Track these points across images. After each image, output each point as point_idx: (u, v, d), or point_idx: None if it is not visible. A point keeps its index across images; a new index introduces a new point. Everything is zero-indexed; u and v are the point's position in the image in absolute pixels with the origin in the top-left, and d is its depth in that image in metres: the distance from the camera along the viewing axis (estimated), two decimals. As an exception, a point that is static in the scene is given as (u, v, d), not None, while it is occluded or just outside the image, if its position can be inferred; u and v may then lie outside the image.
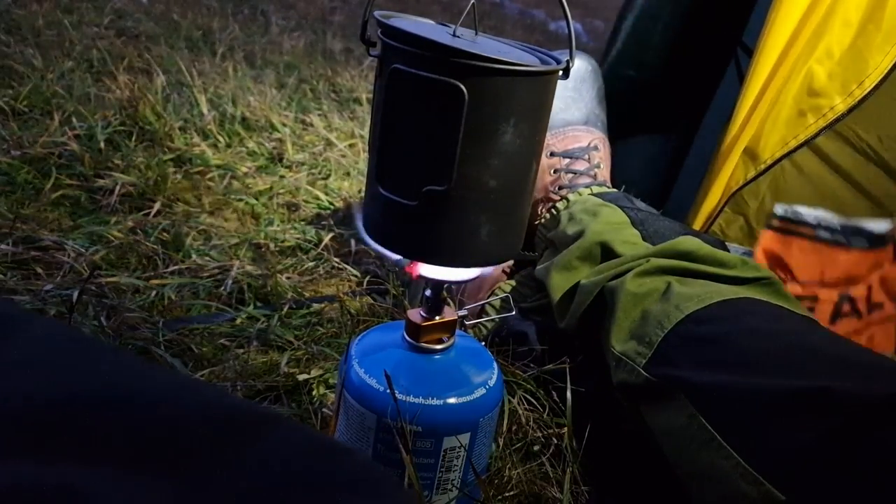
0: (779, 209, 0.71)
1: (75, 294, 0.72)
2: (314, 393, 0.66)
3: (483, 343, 0.58)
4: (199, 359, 0.69)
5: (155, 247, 0.87)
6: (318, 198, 1.12)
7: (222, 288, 0.82)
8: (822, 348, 0.45)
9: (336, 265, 0.92)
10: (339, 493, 0.26)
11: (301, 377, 0.67)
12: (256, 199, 1.08)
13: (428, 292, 0.49)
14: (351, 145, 1.37)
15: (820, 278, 0.69)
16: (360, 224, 0.47)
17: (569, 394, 0.60)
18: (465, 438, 0.48)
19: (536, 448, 0.60)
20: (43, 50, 1.50)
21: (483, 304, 0.60)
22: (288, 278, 0.86)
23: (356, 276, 0.90)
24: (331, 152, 1.30)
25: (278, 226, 1.01)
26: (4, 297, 0.72)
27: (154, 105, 1.26)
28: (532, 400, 0.65)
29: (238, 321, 0.76)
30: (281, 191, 1.12)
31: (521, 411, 0.63)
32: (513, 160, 0.43)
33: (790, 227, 0.70)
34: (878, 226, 0.68)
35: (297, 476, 0.26)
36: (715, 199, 0.78)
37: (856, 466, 0.38)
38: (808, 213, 0.69)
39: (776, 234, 0.71)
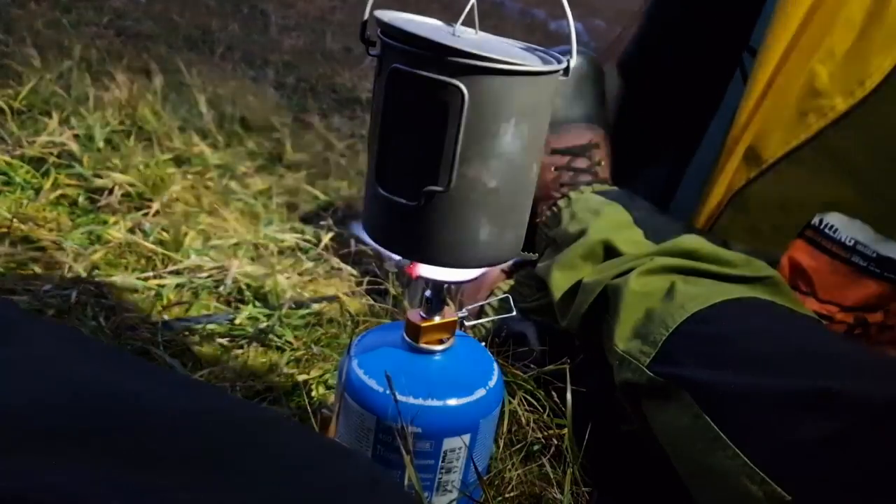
0: (815, 219, 0.70)
1: (74, 294, 0.72)
2: (314, 393, 0.66)
3: (483, 343, 0.58)
4: (198, 359, 0.69)
5: (154, 247, 0.87)
6: (317, 198, 1.12)
7: (221, 288, 0.81)
8: (828, 348, 0.45)
9: (336, 265, 0.92)
10: (339, 495, 0.26)
11: (300, 377, 0.67)
12: (256, 199, 1.08)
13: (428, 293, 0.49)
14: (351, 145, 1.37)
15: (841, 301, 0.68)
16: (359, 229, 0.47)
17: (569, 394, 0.60)
18: (465, 439, 0.48)
19: (537, 449, 0.60)
20: (41, 49, 1.50)
21: (483, 305, 0.60)
22: (287, 278, 0.86)
23: (356, 276, 0.90)
24: (330, 152, 1.30)
25: (278, 226, 1.01)
26: (3, 297, 0.72)
27: (153, 105, 1.26)
28: (532, 401, 0.65)
29: (237, 321, 0.76)
30: (280, 191, 1.11)
31: (521, 412, 0.63)
32: (513, 160, 0.43)
33: (824, 242, 0.69)
34: None
35: (297, 477, 0.26)
36: (718, 199, 0.77)
37: (861, 466, 0.37)
38: (846, 231, 0.68)
39: (807, 246, 0.70)
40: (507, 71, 0.40)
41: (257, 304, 0.80)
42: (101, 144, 1.11)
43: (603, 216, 0.67)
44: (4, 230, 0.84)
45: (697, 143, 0.92)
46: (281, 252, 0.94)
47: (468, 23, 0.44)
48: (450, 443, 0.48)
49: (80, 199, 0.97)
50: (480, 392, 0.49)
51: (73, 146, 1.08)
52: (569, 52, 0.44)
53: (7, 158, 1.01)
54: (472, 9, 0.43)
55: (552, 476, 0.58)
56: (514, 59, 0.40)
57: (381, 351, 0.50)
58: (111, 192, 0.98)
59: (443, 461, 0.48)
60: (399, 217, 0.44)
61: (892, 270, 0.67)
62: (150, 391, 0.29)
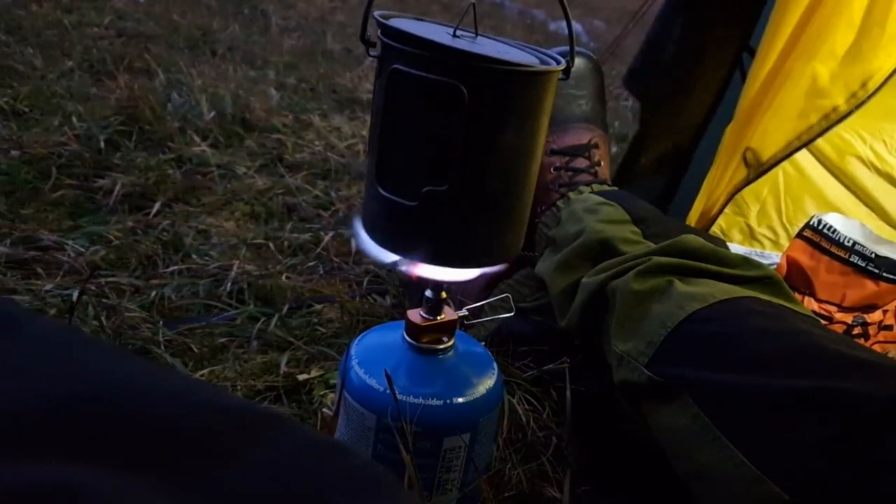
0: (814, 219, 0.70)
1: (75, 294, 0.72)
2: (314, 393, 0.66)
3: (483, 343, 0.58)
4: (198, 358, 0.69)
5: (155, 247, 0.87)
6: (318, 198, 1.12)
7: (222, 288, 0.82)
8: (826, 348, 0.45)
9: (336, 265, 0.92)
10: (339, 494, 0.26)
11: (301, 377, 0.67)
12: (256, 199, 1.08)
13: (428, 293, 0.49)
14: (351, 145, 1.37)
15: (840, 301, 0.69)
16: (359, 232, 0.47)
17: (568, 394, 0.60)
18: (465, 438, 0.48)
19: (536, 448, 0.60)
20: (43, 50, 1.50)
21: (483, 305, 0.60)
22: (288, 278, 0.86)
23: (356, 276, 0.90)
24: (331, 152, 1.30)
25: (278, 226, 1.01)
26: (5, 297, 0.72)
27: (154, 105, 1.26)
28: (532, 400, 0.65)
29: (238, 321, 0.76)
30: (281, 191, 1.12)
31: (520, 411, 0.63)
32: (513, 160, 0.43)
33: (823, 242, 0.69)
34: None
35: (297, 476, 0.26)
36: (716, 200, 0.78)
37: (860, 467, 0.37)
38: (844, 231, 0.68)
39: (806, 246, 0.70)
40: (506, 71, 0.40)
41: (257, 303, 0.80)
42: (102, 144, 1.11)
43: (602, 216, 0.67)
44: (6, 230, 0.84)
45: (695, 144, 0.92)
46: (281, 252, 0.94)
47: (468, 23, 0.44)
48: (450, 442, 0.48)
49: (82, 200, 0.97)
50: (480, 391, 0.49)
51: (75, 146, 1.08)
52: (568, 53, 0.44)
53: (8, 159, 1.01)
54: (471, 9, 0.43)
55: (552, 475, 0.58)
56: (513, 59, 0.40)
57: (381, 351, 0.50)
58: (112, 192, 0.98)
59: (443, 460, 0.48)
60: (399, 217, 0.44)
61: (890, 270, 0.67)
62: (151, 390, 0.29)
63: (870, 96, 0.71)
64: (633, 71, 0.89)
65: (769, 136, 0.74)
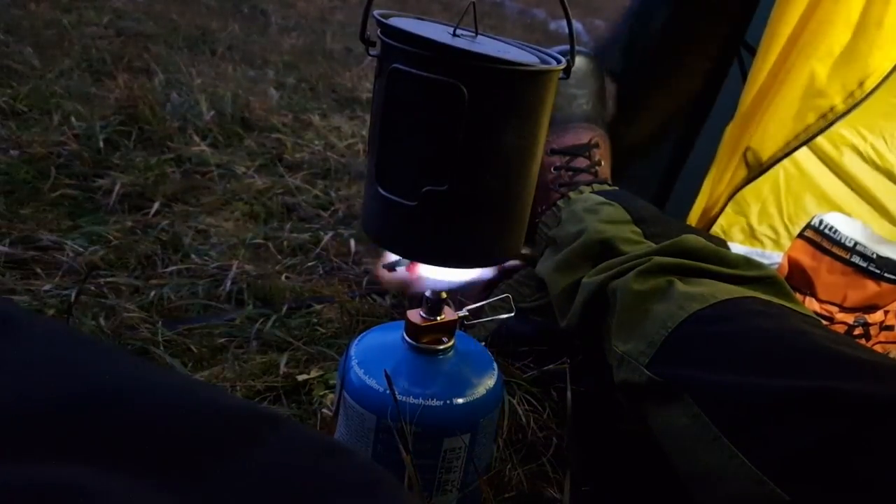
0: (815, 219, 0.70)
1: (74, 294, 0.72)
2: (314, 393, 0.66)
3: (483, 343, 0.58)
4: (198, 359, 0.69)
5: (154, 247, 0.87)
6: (317, 197, 1.12)
7: (221, 288, 0.81)
8: (827, 348, 0.45)
9: (335, 265, 0.92)
10: (339, 494, 0.26)
11: (300, 377, 0.67)
12: (256, 198, 1.08)
13: (427, 293, 0.49)
14: (351, 145, 1.37)
15: (842, 301, 0.69)
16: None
17: (569, 394, 0.60)
18: (465, 439, 0.48)
19: (536, 448, 0.60)
20: (42, 50, 1.50)
21: (483, 305, 0.60)
22: (287, 278, 0.86)
23: (356, 276, 0.90)
24: (330, 152, 1.30)
25: (277, 225, 1.01)
26: (4, 297, 0.72)
27: (153, 105, 1.26)
28: (532, 400, 0.65)
29: (237, 321, 0.76)
30: (280, 190, 1.11)
31: (521, 411, 0.63)
32: (513, 160, 0.43)
33: (824, 243, 0.69)
34: None
35: (297, 476, 0.26)
36: (717, 200, 0.77)
37: (860, 467, 0.37)
38: (846, 231, 0.68)
39: (808, 246, 0.70)
40: (507, 71, 0.40)
41: (257, 304, 0.80)
42: (101, 144, 1.11)
43: (602, 215, 0.67)
44: (5, 230, 0.84)
45: (692, 142, 0.92)
46: (281, 252, 0.94)
47: (468, 23, 0.44)
48: (450, 442, 0.48)
49: (81, 199, 0.97)
50: (480, 392, 0.49)
51: (74, 146, 1.08)
52: (568, 53, 0.44)
53: (7, 158, 1.01)
54: (471, 9, 0.43)
55: (552, 476, 0.58)
56: (513, 59, 0.40)
57: (381, 351, 0.50)
58: (111, 191, 0.98)
59: (443, 461, 0.48)
60: (399, 217, 0.44)
61: (891, 271, 0.67)
62: (151, 390, 0.29)
63: (867, 96, 0.71)
64: (609, 47, 0.88)
65: (769, 135, 0.74)
